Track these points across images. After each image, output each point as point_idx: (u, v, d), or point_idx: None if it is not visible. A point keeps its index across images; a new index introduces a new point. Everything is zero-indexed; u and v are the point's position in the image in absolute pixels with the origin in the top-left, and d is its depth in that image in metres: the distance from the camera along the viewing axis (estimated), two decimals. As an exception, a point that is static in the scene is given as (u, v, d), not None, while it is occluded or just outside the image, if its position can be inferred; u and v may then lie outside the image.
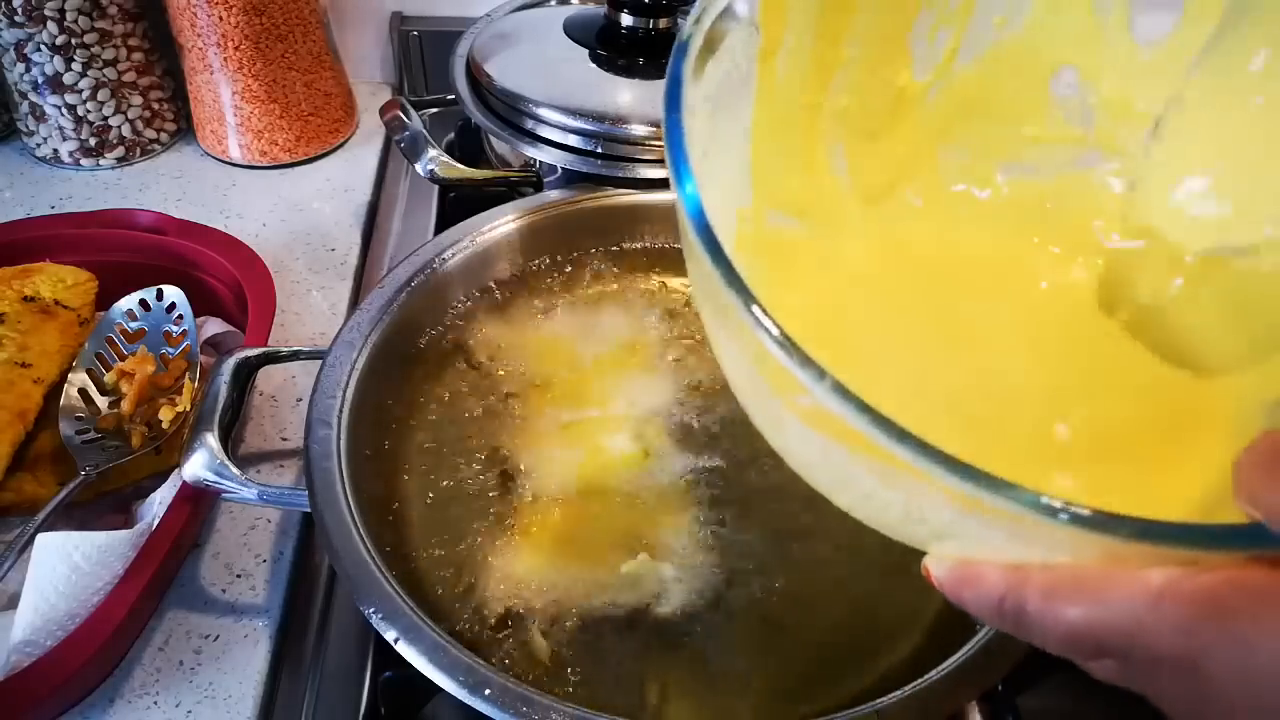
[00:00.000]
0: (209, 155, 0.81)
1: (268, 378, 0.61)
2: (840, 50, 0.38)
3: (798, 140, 0.38)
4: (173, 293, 0.58)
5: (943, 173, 0.40)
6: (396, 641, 0.38)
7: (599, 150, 0.65)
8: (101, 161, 0.79)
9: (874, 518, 0.29)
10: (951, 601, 0.28)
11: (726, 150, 0.34)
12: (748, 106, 0.35)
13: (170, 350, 0.57)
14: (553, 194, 0.64)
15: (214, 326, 0.60)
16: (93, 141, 0.78)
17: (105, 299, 0.59)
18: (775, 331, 0.23)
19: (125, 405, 0.54)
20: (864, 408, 0.22)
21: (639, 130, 0.64)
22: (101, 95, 0.76)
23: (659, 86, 0.73)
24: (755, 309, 0.24)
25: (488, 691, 0.37)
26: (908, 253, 0.40)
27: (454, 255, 0.59)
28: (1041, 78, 0.39)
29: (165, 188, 0.78)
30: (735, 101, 0.34)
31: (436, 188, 0.79)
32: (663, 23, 0.70)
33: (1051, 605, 0.25)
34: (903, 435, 0.22)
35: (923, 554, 0.29)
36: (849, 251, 0.38)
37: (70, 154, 0.78)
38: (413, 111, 0.68)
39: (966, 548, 0.27)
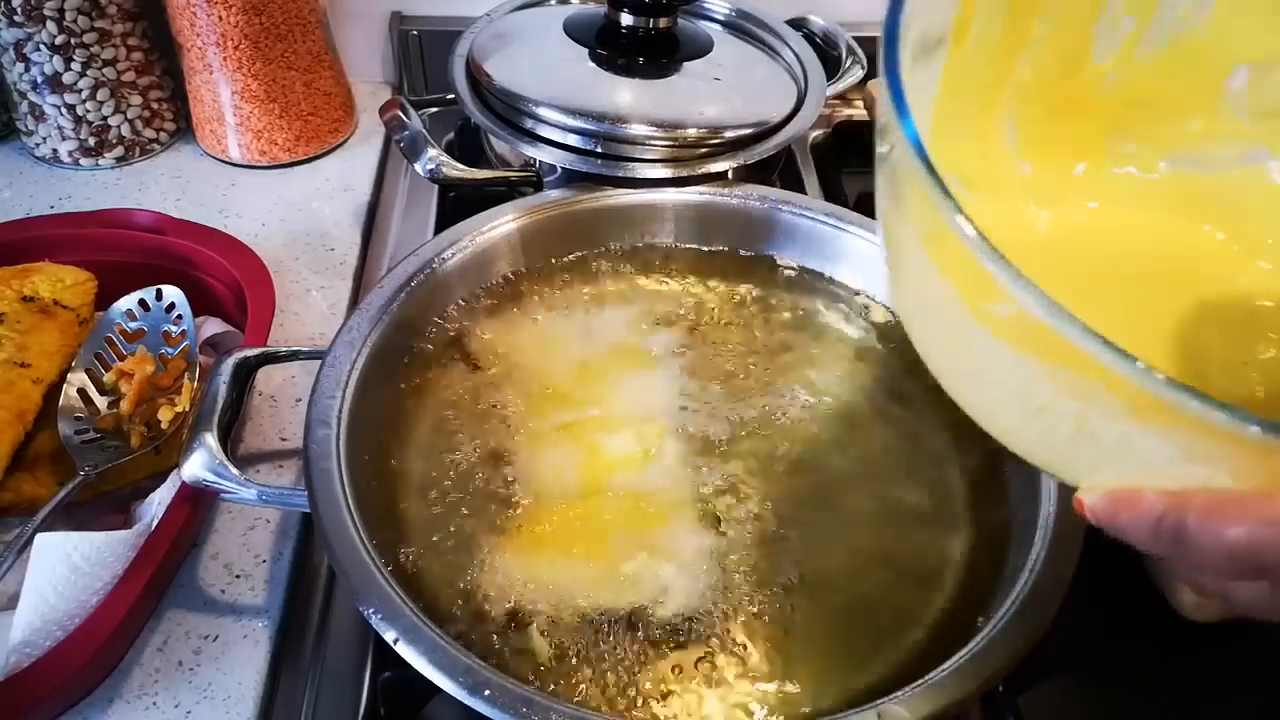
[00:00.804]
0: (208, 155, 0.81)
1: (267, 378, 0.61)
2: (1030, 26, 0.40)
3: (976, 110, 0.41)
4: (172, 293, 0.58)
5: (1108, 155, 0.42)
6: (396, 642, 0.38)
7: (599, 150, 0.65)
8: (101, 161, 0.79)
9: (1036, 440, 0.32)
10: (1105, 528, 0.29)
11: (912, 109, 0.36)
12: (936, 71, 0.38)
13: (169, 350, 0.57)
14: (553, 194, 0.64)
15: (213, 326, 0.60)
16: (92, 141, 0.78)
17: (104, 299, 0.59)
18: (988, 244, 0.26)
19: (124, 405, 0.54)
20: (1067, 313, 0.25)
21: (639, 130, 0.64)
22: (101, 95, 0.76)
23: (659, 86, 0.73)
24: (970, 223, 0.27)
25: (488, 692, 0.37)
26: (1070, 225, 0.42)
27: (454, 255, 0.58)
28: (1218, 73, 0.40)
29: (164, 187, 0.78)
30: (925, 64, 0.37)
31: (436, 187, 0.79)
32: (663, 22, 0.70)
33: (1212, 524, 0.26)
34: (1101, 338, 0.25)
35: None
36: (1012, 220, 0.40)
37: (69, 154, 0.78)
38: (412, 111, 0.67)
39: (1125, 474, 0.29)
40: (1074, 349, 0.25)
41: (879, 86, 0.31)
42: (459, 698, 0.37)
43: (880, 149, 0.32)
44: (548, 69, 0.69)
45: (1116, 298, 0.39)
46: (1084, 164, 0.43)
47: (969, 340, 0.32)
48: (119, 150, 0.79)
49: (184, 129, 0.83)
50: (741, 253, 0.65)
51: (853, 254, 0.63)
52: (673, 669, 0.43)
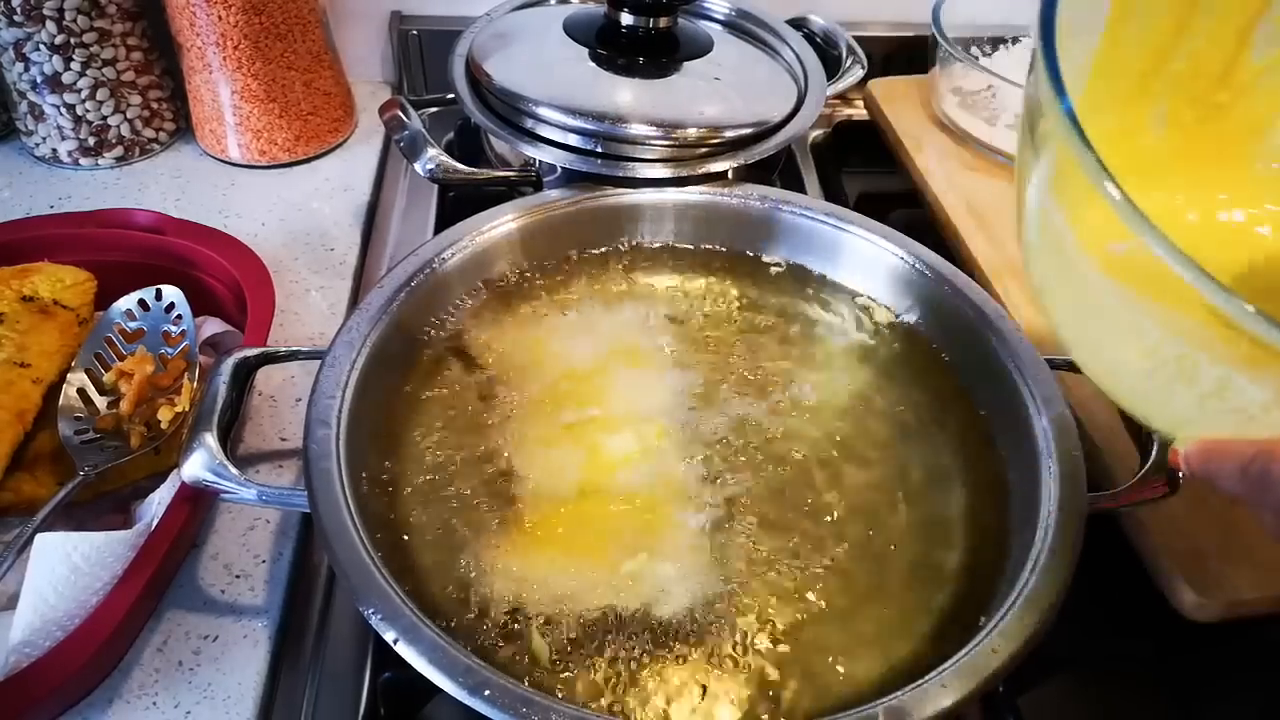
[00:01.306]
0: (208, 155, 0.81)
1: (267, 378, 0.61)
2: (1192, 18, 0.41)
3: (1127, 96, 0.43)
4: (171, 293, 0.58)
5: (1253, 156, 0.43)
6: (396, 642, 0.38)
7: (599, 150, 0.65)
8: (100, 161, 0.79)
9: (1137, 383, 0.35)
10: (1197, 474, 0.33)
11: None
12: (1089, 52, 0.40)
13: (169, 350, 0.57)
14: (553, 194, 0.64)
15: (213, 326, 0.60)
16: (91, 141, 0.78)
17: (104, 299, 0.59)
18: (1118, 189, 0.30)
19: (124, 405, 0.54)
20: (1178, 248, 0.28)
21: (639, 130, 0.64)
22: (100, 95, 0.76)
23: (659, 86, 0.73)
24: (1107, 173, 0.30)
25: (487, 692, 0.37)
26: (1211, 222, 0.44)
27: (453, 255, 0.58)
28: None
29: (164, 187, 0.78)
30: (1077, 46, 0.38)
31: (436, 187, 0.79)
32: (663, 22, 0.70)
33: None
34: (1207, 273, 0.28)
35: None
36: (1153, 209, 0.41)
37: (69, 153, 0.78)
38: (412, 111, 0.67)
39: (1220, 424, 0.32)
40: (1182, 285, 0.28)
41: (1036, 64, 0.33)
42: (459, 698, 0.37)
43: (1040, 125, 0.35)
44: (548, 69, 0.69)
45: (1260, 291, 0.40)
46: (1229, 156, 0.43)
47: (1087, 283, 0.35)
48: (118, 150, 0.79)
49: (184, 129, 0.83)
50: (742, 253, 0.65)
51: (853, 254, 0.63)
52: (673, 669, 0.43)
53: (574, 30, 0.71)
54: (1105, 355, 0.37)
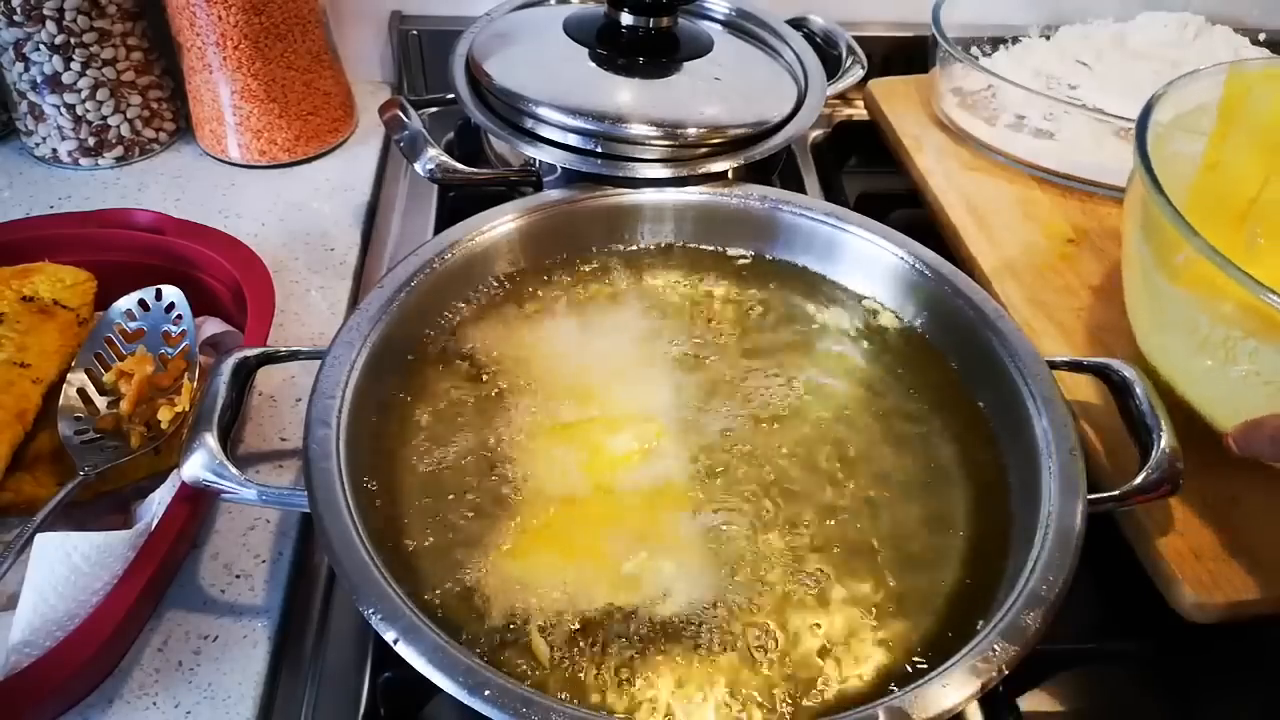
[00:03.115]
0: (208, 155, 0.81)
1: (267, 378, 0.61)
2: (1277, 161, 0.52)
3: (1225, 219, 0.52)
4: (171, 293, 0.58)
5: None
6: (396, 642, 0.38)
7: (599, 150, 0.65)
8: (100, 161, 0.79)
9: (1199, 377, 0.48)
10: (1241, 450, 0.42)
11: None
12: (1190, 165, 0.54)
13: (169, 350, 0.57)
14: (553, 194, 0.64)
15: (213, 326, 0.60)
16: (91, 141, 0.78)
17: (104, 299, 0.59)
18: (1181, 219, 0.44)
19: (124, 405, 0.54)
20: (1212, 246, 0.43)
21: (639, 130, 0.64)
22: (100, 95, 0.76)
23: (659, 86, 0.73)
24: (1173, 208, 0.45)
25: (488, 692, 0.37)
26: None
27: (453, 255, 0.58)
28: None
29: (164, 187, 0.78)
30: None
31: (436, 187, 0.79)
32: (663, 22, 0.70)
33: None
34: (1230, 260, 0.42)
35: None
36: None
37: (69, 153, 0.78)
38: (412, 111, 0.67)
39: (1260, 401, 0.43)
40: (1220, 277, 0.40)
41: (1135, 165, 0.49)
42: (459, 698, 0.37)
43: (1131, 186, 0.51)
44: (548, 69, 0.69)
45: None
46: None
47: (1159, 293, 0.48)
48: (118, 150, 0.79)
49: (184, 129, 0.83)
50: (741, 252, 0.65)
51: (853, 254, 0.63)
52: (673, 668, 0.43)
53: (574, 30, 0.71)
54: (1178, 360, 0.48)
